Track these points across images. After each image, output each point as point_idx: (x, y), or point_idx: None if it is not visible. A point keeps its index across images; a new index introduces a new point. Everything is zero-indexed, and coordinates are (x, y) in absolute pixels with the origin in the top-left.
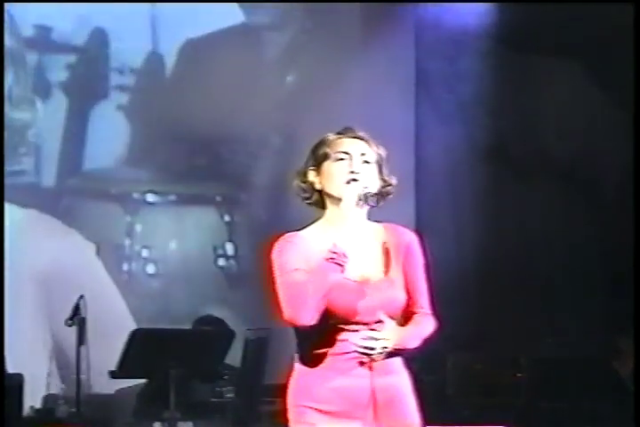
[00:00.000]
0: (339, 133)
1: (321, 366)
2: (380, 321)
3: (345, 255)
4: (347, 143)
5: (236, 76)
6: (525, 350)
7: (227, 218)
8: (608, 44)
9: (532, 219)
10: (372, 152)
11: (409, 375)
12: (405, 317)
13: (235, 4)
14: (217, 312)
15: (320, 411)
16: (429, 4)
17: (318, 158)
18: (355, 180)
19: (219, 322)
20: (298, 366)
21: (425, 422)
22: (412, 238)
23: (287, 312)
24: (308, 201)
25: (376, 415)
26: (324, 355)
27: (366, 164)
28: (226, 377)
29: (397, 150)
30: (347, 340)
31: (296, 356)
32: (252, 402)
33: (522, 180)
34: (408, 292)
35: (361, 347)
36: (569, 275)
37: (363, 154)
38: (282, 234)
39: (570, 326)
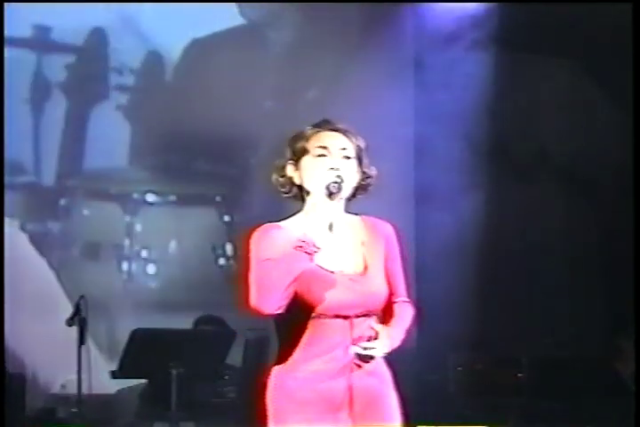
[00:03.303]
0: (316, 126)
1: (299, 365)
2: (360, 315)
3: (314, 245)
4: (326, 137)
5: (236, 75)
6: (525, 350)
7: (227, 218)
8: (608, 44)
9: (531, 219)
10: (352, 146)
11: (390, 375)
12: (385, 306)
13: (234, 4)
14: (217, 312)
15: (297, 411)
16: (429, 4)
17: (297, 153)
18: (336, 177)
19: (219, 322)
20: (279, 366)
21: (417, 422)
22: (390, 230)
23: (252, 300)
24: (287, 195)
25: (352, 416)
26: (303, 354)
27: (346, 159)
28: (227, 377)
29: (397, 150)
30: (327, 338)
31: (277, 355)
32: (253, 402)
33: (522, 180)
34: (389, 283)
35: (363, 357)
36: (569, 275)
37: (343, 149)
38: (260, 225)
39: (570, 326)
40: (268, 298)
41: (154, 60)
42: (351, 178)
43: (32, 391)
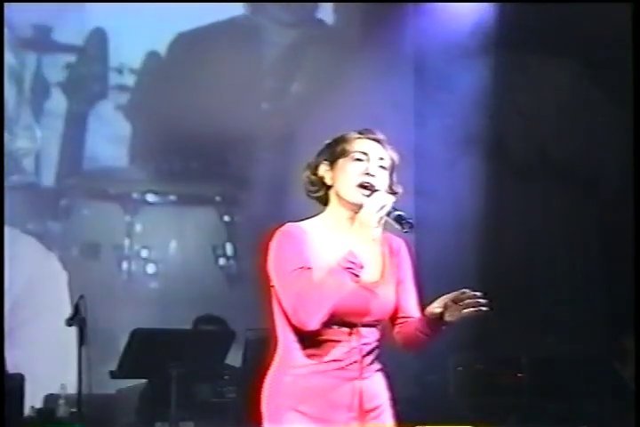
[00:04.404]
0: (360, 133)
1: (299, 363)
2: (366, 324)
3: (362, 266)
4: (367, 144)
5: (236, 75)
6: (525, 350)
7: (226, 218)
8: (608, 43)
9: (531, 218)
10: (388, 157)
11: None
12: (396, 323)
13: (235, 4)
14: (217, 312)
15: (291, 406)
16: (429, 4)
17: (335, 154)
18: (368, 184)
19: (219, 322)
20: (279, 364)
21: (417, 422)
22: (402, 245)
23: (298, 317)
24: (314, 195)
25: (362, 419)
26: (308, 355)
27: (382, 169)
28: (226, 377)
29: (397, 150)
30: (330, 343)
31: (277, 354)
32: (253, 402)
33: (522, 179)
34: (398, 298)
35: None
36: (569, 274)
37: (381, 158)
38: (282, 224)
39: (570, 326)
40: (316, 317)
41: (153, 59)
42: (382, 188)
43: (32, 391)
